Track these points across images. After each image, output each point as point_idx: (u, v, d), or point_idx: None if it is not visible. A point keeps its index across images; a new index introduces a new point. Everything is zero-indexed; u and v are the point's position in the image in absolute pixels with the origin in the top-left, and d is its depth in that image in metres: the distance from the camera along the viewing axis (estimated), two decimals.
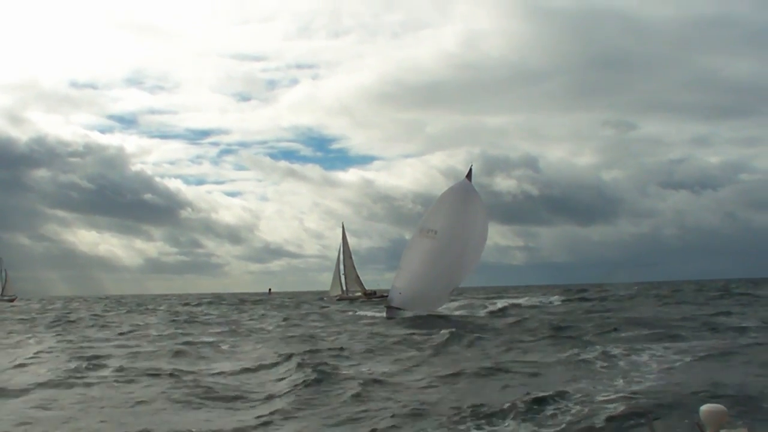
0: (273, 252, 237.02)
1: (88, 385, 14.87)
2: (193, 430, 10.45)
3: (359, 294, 76.91)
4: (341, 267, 79.13)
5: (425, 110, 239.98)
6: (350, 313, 47.36)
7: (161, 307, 68.00)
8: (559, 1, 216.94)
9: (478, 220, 39.61)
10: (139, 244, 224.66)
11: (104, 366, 17.70)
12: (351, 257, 79.98)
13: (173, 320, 41.52)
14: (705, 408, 4.16)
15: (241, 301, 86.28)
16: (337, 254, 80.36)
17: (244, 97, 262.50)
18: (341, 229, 79.66)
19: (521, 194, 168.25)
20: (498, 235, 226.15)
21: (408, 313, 38.09)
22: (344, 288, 78.15)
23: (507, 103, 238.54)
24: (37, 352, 21.39)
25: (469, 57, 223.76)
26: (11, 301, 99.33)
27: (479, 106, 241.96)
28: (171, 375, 15.72)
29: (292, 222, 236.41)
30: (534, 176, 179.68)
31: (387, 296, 42.45)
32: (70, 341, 26.12)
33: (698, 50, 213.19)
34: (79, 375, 16.21)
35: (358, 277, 79.22)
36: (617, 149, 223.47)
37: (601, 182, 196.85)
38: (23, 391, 14.04)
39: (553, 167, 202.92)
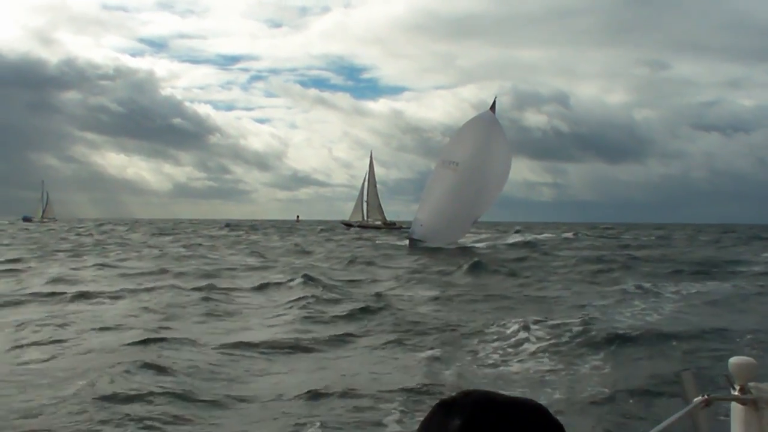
0: (301, 180, 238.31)
1: None
2: None
3: (379, 223, 77.04)
4: (365, 195, 79.05)
5: (458, 42, 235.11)
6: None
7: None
8: None
9: (500, 153, 39.41)
10: (167, 168, 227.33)
11: None
12: (375, 186, 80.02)
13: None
14: (733, 360, 3.69)
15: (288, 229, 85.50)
16: (362, 182, 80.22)
17: (275, 24, 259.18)
18: (369, 158, 79.45)
19: (551, 130, 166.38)
20: (527, 170, 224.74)
21: (430, 245, 38.14)
22: (365, 216, 78.25)
23: (540, 38, 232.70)
24: None
25: None
26: (52, 221, 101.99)
27: (512, 39, 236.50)
28: None
29: (321, 150, 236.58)
30: (564, 112, 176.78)
31: (407, 228, 42.57)
32: None
33: None
34: None
35: (380, 206, 79.26)
36: (649, 88, 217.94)
37: (632, 121, 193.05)
38: None
39: (584, 104, 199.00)
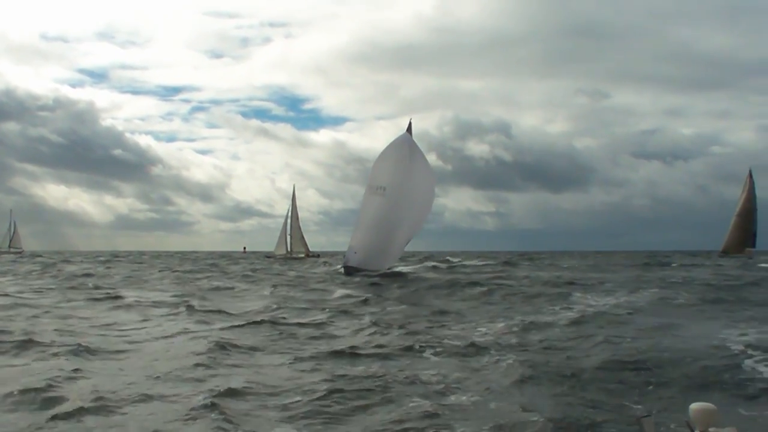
0: (244, 211, 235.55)
1: None
2: None
3: (302, 255, 78.84)
4: (288, 228, 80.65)
5: (400, 72, 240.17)
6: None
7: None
8: None
9: (422, 173, 40.75)
10: (109, 200, 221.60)
11: None
12: (298, 219, 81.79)
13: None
14: (694, 406, 4.26)
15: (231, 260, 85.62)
16: (285, 216, 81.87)
17: (217, 54, 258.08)
18: (292, 192, 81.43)
19: (494, 159, 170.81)
20: (470, 200, 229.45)
21: (367, 271, 38.57)
22: (289, 248, 79.74)
23: (481, 68, 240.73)
24: None
25: (444, 20, 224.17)
26: (18, 253, 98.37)
27: (454, 70, 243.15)
28: None
29: (264, 181, 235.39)
30: (506, 142, 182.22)
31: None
32: None
33: (673, 22, 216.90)
34: None
35: (303, 238, 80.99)
36: (590, 118, 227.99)
37: (573, 150, 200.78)
38: None
39: (526, 134, 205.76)
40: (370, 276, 36.75)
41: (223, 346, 12.63)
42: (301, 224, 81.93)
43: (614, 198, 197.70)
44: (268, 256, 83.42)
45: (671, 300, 21.57)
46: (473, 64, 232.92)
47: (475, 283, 29.44)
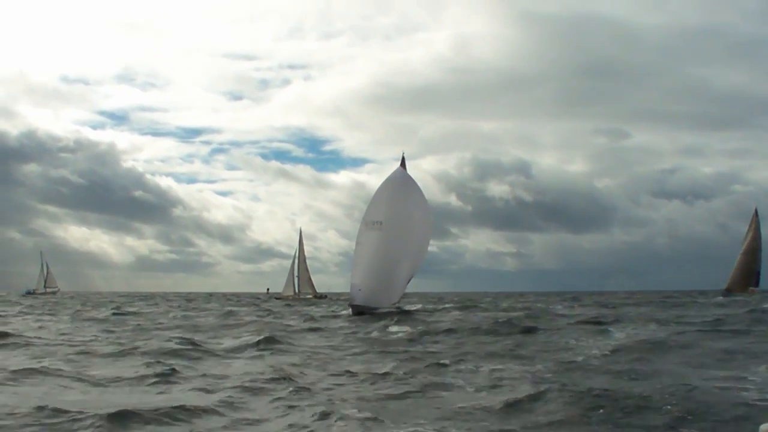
0: (264, 252, 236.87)
1: None
2: None
3: (310, 296, 79.19)
4: (295, 270, 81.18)
5: (417, 114, 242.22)
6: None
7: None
8: (550, 7, 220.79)
9: (419, 204, 40.93)
10: (129, 241, 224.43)
11: None
12: (305, 261, 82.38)
13: None
14: (765, 427, 4.16)
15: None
16: (292, 258, 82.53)
17: (236, 96, 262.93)
18: (299, 235, 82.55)
19: (514, 200, 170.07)
20: (490, 241, 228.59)
21: (375, 309, 38.00)
22: (297, 290, 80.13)
23: (498, 109, 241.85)
24: None
25: (460, 61, 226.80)
26: (54, 292, 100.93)
27: (471, 110, 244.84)
28: None
29: (284, 223, 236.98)
30: (526, 182, 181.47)
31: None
32: None
33: (688, 60, 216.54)
34: None
35: (311, 280, 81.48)
36: (609, 157, 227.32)
37: (593, 190, 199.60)
38: None
39: (545, 174, 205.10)
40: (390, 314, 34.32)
41: None
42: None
43: (635, 238, 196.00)
44: (276, 297, 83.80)
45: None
46: (490, 104, 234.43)
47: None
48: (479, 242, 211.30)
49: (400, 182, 41.05)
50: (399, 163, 42.80)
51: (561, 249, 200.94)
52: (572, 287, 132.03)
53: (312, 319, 32.89)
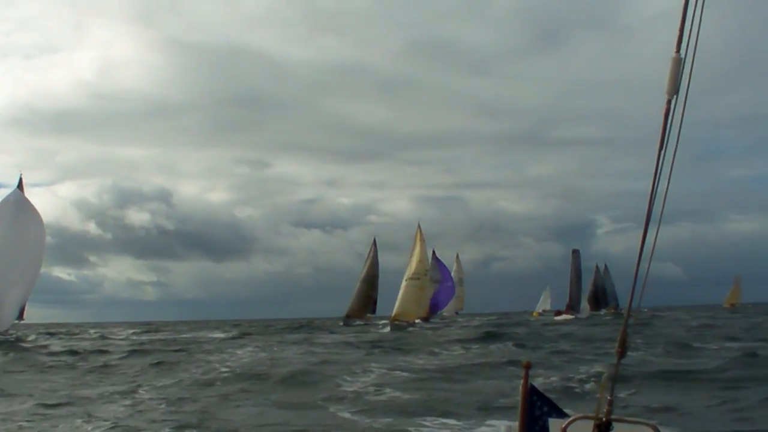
0: None
1: None
2: None
3: None
4: None
5: (57, 138, 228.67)
6: None
7: None
8: (198, 36, 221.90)
9: (33, 226, 40.26)
10: None
11: None
12: None
13: None
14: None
15: None
16: None
17: None
18: None
19: (155, 228, 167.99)
20: (131, 269, 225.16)
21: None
22: None
23: (142, 136, 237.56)
24: None
25: (104, 86, 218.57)
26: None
27: (114, 137, 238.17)
28: None
29: None
30: (168, 211, 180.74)
31: None
32: None
33: (333, 95, 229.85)
34: None
35: None
36: (251, 187, 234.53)
37: (235, 219, 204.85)
38: None
39: (188, 203, 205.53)
40: None
41: None
42: None
43: (276, 267, 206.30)
44: None
45: None
46: (134, 131, 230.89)
47: None
48: (120, 271, 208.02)
49: (11, 204, 40.16)
50: (17, 185, 42.39)
51: (203, 278, 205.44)
52: (215, 316, 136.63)
53: None
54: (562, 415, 4.09)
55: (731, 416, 11.98)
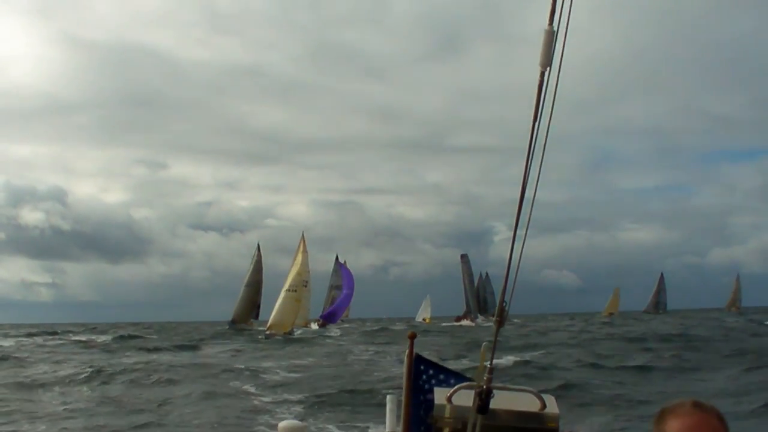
0: None
1: None
2: None
3: None
4: None
5: None
6: None
7: None
8: (96, 34, 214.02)
9: None
10: None
11: None
12: None
13: None
14: (284, 425, 4.37)
15: None
16: None
17: None
18: None
19: (50, 228, 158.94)
20: (24, 270, 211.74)
21: None
22: None
23: (36, 133, 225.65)
24: None
25: None
26: None
27: (6, 134, 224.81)
28: None
29: None
30: (63, 210, 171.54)
31: None
32: None
33: (231, 96, 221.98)
34: None
35: None
36: (148, 188, 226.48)
37: (131, 220, 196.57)
38: None
39: (83, 203, 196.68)
40: None
41: None
42: None
43: (173, 269, 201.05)
44: None
45: None
46: (26, 129, 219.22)
47: None
48: (13, 272, 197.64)
49: None
50: None
51: (99, 280, 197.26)
52: (110, 318, 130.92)
53: None
54: (454, 376, 4.12)
55: None
